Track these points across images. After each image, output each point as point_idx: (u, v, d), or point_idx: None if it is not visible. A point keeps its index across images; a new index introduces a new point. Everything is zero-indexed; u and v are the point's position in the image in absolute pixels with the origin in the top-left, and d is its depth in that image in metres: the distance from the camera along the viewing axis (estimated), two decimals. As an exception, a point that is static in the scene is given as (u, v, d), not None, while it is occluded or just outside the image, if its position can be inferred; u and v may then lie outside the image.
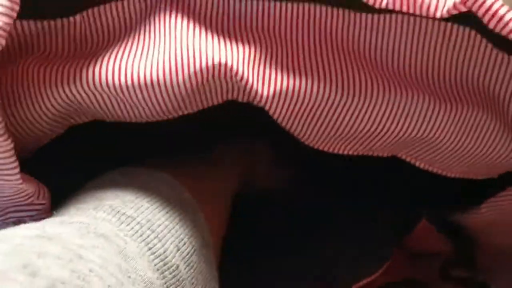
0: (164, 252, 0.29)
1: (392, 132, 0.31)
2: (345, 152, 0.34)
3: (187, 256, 0.31)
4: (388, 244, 0.45)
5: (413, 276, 0.53)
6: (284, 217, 0.46)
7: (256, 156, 0.45)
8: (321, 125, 0.31)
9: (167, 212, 0.32)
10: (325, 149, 0.33)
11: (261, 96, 0.30)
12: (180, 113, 0.33)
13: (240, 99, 0.32)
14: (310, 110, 0.31)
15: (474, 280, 0.46)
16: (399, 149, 0.34)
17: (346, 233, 0.45)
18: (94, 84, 0.30)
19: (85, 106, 0.32)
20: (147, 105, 0.31)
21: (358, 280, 0.46)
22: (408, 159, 0.34)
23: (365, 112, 0.31)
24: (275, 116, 0.31)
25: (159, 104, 0.31)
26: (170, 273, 0.29)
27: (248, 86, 0.30)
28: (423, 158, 0.34)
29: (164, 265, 0.29)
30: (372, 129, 0.31)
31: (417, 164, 0.34)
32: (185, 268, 0.30)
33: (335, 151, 0.34)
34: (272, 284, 0.45)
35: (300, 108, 0.30)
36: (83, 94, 0.31)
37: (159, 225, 0.30)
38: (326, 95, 0.30)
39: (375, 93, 0.30)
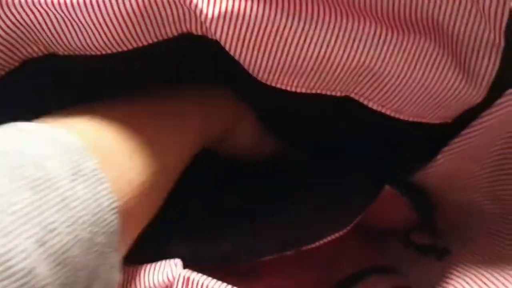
0: (8, 252, 0.22)
1: (340, 60, 0.31)
2: (298, 90, 0.34)
3: (59, 251, 0.24)
4: (357, 202, 0.44)
5: (382, 263, 0.52)
6: (257, 178, 0.46)
7: (239, 115, 0.44)
8: (269, 53, 0.31)
9: (36, 193, 0.24)
10: (277, 85, 0.33)
11: (206, 16, 0.30)
12: (135, 45, 0.33)
13: (193, 30, 0.32)
14: (257, 33, 0.31)
15: (436, 246, 0.46)
16: (351, 86, 0.34)
17: (315, 193, 0.44)
18: (39, 2, 0.30)
19: (34, 30, 0.32)
20: (95, 27, 0.31)
21: (321, 238, 0.45)
22: (360, 100, 0.34)
23: (312, 37, 0.31)
24: (222, 41, 0.31)
25: (108, 27, 0.31)
26: (15, 281, 0.22)
27: (193, 6, 0.30)
28: (374, 97, 0.34)
29: (5, 270, 0.22)
30: (320, 57, 0.31)
31: (369, 104, 0.34)
32: (51, 269, 0.24)
33: (288, 88, 0.34)
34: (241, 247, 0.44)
35: (246, 31, 0.30)
36: (30, 13, 0.31)
37: (13, 213, 0.23)
38: (272, 17, 0.30)
39: (322, 18, 0.30)
